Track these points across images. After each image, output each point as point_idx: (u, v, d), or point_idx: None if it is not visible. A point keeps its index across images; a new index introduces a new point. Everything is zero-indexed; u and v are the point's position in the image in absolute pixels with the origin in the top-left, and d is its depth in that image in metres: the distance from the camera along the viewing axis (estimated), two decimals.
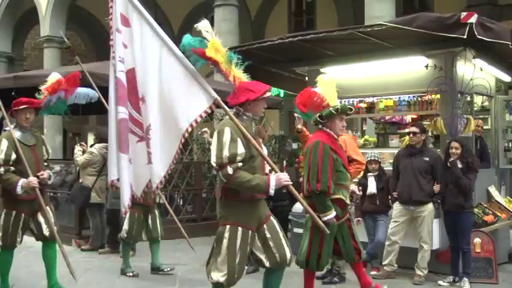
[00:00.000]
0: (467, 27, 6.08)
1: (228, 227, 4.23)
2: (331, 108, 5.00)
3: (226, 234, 4.21)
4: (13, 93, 10.87)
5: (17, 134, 5.65)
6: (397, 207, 6.72)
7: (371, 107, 8.13)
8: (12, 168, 5.53)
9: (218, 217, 4.40)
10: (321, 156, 4.95)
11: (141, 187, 4.48)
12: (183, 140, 4.30)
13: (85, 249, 8.41)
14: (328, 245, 5.06)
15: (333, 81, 5.21)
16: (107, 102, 6.25)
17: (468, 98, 7.48)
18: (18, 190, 5.45)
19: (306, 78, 8.61)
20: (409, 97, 7.63)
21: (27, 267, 7.07)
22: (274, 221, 4.46)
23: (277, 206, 8.54)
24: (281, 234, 4.43)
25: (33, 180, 5.44)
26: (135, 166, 4.43)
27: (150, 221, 6.99)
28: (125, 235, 6.86)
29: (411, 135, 6.63)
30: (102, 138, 8.73)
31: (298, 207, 8.24)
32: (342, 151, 5.23)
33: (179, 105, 4.25)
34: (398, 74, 7.49)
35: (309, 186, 4.97)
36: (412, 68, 7.37)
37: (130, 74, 4.46)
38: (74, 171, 9.48)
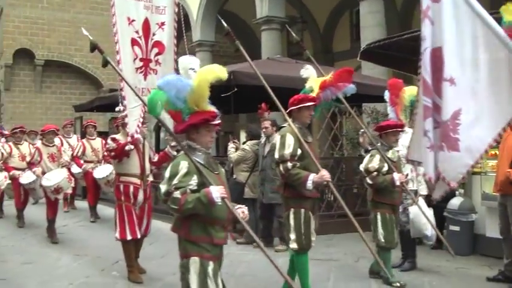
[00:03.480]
0: None
1: None
2: None
3: None
4: None
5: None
6: None
7: None
8: (297, 164, 5.22)
9: None
10: None
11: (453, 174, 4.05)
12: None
13: (240, 242, 8.61)
14: None
15: None
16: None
17: None
18: (309, 185, 5.11)
19: None
20: None
21: (158, 259, 7.32)
22: None
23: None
24: None
25: (326, 174, 5.12)
26: (437, 153, 4.12)
27: None
28: (383, 240, 6.13)
29: None
30: (254, 136, 8.97)
31: (453, 204, 7.88)
32: None
33: (503, 91, 3.84)
34: None
35: None
36: None
37: (437, 53, 4.09)
38: (227, 168, 9.88)
